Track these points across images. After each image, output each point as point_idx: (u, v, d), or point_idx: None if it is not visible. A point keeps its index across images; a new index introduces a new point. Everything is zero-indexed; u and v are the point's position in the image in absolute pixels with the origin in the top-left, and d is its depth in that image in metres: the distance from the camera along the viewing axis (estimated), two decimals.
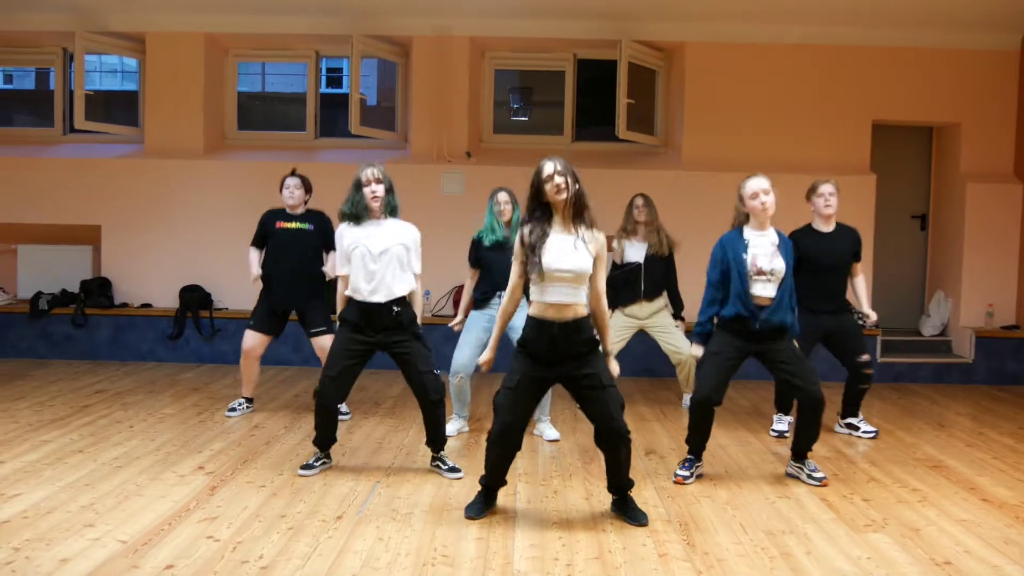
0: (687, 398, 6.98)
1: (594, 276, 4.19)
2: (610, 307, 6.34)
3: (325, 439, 5.01)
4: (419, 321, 5.02)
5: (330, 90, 17.66)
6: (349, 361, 4.89)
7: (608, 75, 8.59)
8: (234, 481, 4.77)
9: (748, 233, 4.98)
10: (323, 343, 6.21)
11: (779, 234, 5.05)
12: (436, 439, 5.03)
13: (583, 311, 4.14)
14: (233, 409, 6.38)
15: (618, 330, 6.77)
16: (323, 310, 6.33)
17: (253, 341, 6.32)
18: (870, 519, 4.37)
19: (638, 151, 8.99)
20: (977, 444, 6.03)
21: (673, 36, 8.69)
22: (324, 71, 9.48)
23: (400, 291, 4.91)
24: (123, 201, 8.76)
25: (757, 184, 4.97)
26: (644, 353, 8.35)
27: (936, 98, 8.71)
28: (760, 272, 4.88)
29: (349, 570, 3.59)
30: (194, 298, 8.51)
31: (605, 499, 4.59)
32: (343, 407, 6.36)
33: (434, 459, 5.07)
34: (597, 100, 9.39)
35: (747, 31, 8.56)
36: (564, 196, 4.12)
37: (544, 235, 4.10)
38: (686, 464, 5.01)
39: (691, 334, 5.15)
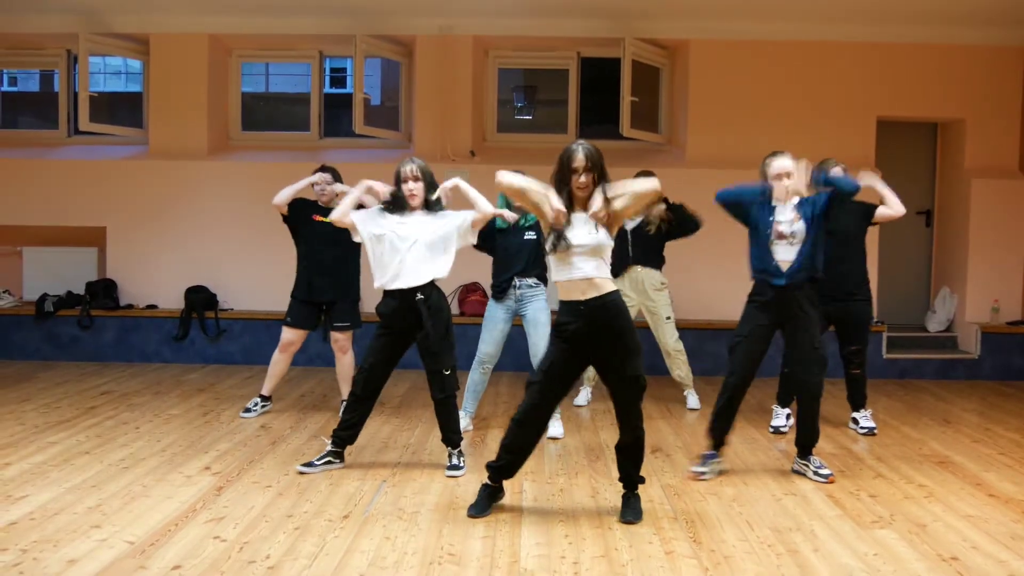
0: (691, 397, 6.97)
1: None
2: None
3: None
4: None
5: (334, 90, 17.69)
6: (380, 355, 4.93)
7: (612, 73, 8.58)
8: (240, 481, 4.78)
9: (775, 202, 4.97)
10: (340, 337, 6.27)
11: (800, 199, 4.96)
12: (447, 436, 5.04)
13: (607, 285, 4.14)
14: (249, 410, 6.39)
15: None
16: (354, 305, 6.34)
17: (290, 336, 6.34)
18: (877, 515, 4.36)
19: (642, 149, 8.98)
20: (983, 440, 6.02)
21: (677, 34, 8.69)
22: (328, 71, 9.47)
23: (425, 277, 4.90)
24: (128, 203, 8.78)
25: (781, 165, 4.92)
26: (649, 351, 8.34)
27: (941, 94, 8.69)
28: (781, 236, 4.90)
29: (356, 569, 3.59)
30: (199, 299, 8.52)
31: (611, 497, 4.59)
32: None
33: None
34: (601, 98, 9.39)
35: (751, 28, 8.55)
36: (585, 194, 4.12)
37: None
38: (705, 459, 5.01)
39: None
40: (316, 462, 5.00)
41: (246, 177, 8.75)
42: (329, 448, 5.03)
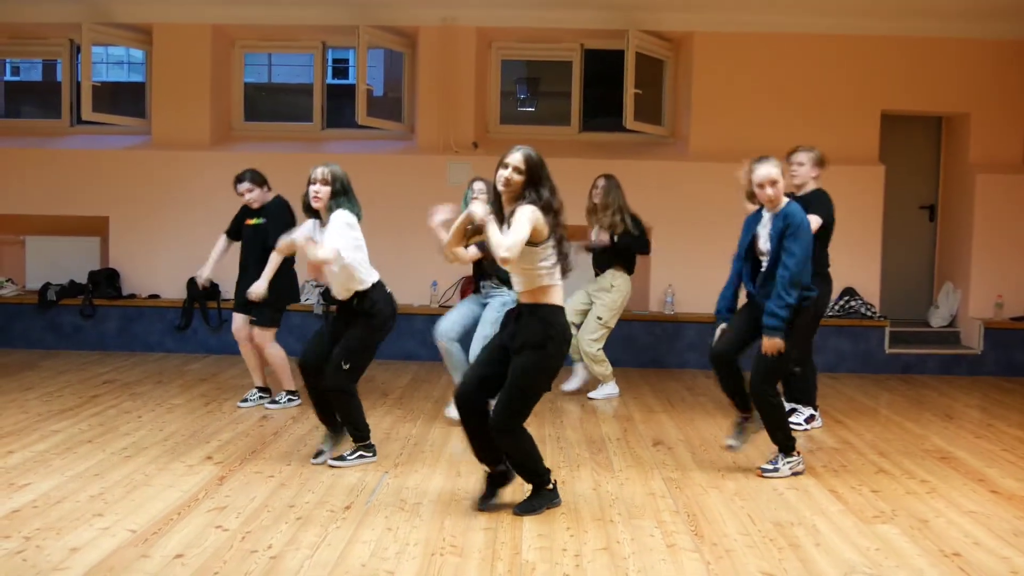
0: (603, 387, 7.00)
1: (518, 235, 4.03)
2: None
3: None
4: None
5: (336, 81, 17.66)
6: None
7: (615, 65, 8.56)
8: (242, 471, 4.78)
9: (765, 211, 4.94)
10: (255, 331, 6.30)
11: (783, 209, 4.85)
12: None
13: (545, 296, 4.11)
14: (245, 400, 6.41)
15: (579, 303, 6.92)
16: (271, 305, 6.29)
17: (239, 321, 6.39)
18: (879, 510, 4.36)
19: (645, 142, 8.97)
20: (986, 436, 6.02)
21: (681, 26, 8.66)
22: (330, 62, 9.46)
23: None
24: (130, 192, 8.76)
25: (765, 173, 4.81)
26: (651, 344, 8.35)
27: (945, 88, 8.67)
28: (761, 253, 4.92)
29: (358, 560, 3.60)
30: (201, 289, 8.50)
31: (613, 490, 4.60)
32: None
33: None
34: (604, 90, 9.36)
35: (755, 21, 8.52)
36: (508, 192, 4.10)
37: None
38: (737, 432, 5.06)
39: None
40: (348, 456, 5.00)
41: (248, 168, 8.72)
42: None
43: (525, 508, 4.22)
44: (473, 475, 4.68)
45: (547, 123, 9.60)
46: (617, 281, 6.85)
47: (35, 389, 6.75)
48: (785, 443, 4.93)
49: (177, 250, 8.75)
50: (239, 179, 6.37)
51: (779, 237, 4.78)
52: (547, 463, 5.01)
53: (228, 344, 8.43)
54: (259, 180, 6.38)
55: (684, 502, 4.44)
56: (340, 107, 10.04)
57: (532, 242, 3.99)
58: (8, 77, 11.25)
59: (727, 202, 8.39)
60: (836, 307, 8.40)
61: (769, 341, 4.74)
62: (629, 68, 8.31)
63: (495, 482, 4.34)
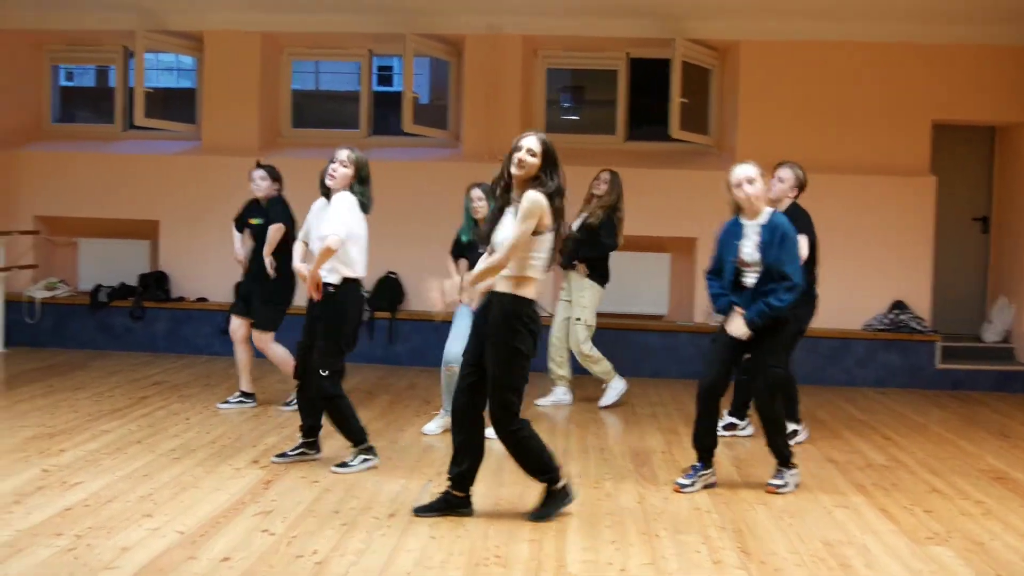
0: (609, 392, 6.96)
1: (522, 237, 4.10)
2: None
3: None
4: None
5: (381, 88, 17.77)
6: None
7: (661, 74, 8.52)
8: (288, 476, 4.81)
9: (744, 221, 4.86)
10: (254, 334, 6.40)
11: (770, 219, 4.81)
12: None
13: (516, 287, 4.13)
14: (227, 402, 6.51)
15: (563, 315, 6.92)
16: (266, 305, 6.41)
17: (235, 323, 6.50)
18: (932, 531, 4.27)
19: (691, 151, 8.91)
20: None
21: (728, 35, 8.60)
22: (375, 70, 9.52)
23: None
24: (180, 197, 8.88)
25: (741, 173, 4.77)
26: (696, 355, 8.27)
27: (998, 97, 8.49)
28: (744, 264, 4.81)
29: (403, 568, 3.60)
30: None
31: (658, 503, 4.56)
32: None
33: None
34: (649, 99, 9.32)
35: (803, 29, 8.42)
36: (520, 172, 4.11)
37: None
38: (690, 471, 4.88)
39: None
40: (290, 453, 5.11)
41: (296, 174, 8.75)
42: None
43: (539, 515, 4.22)
44: (517, 485, 4.66)
45: (592, 132, 9.57)
46: (585, 282, 6.82)
47: (86, 389, 6.86)
48: (783, 455, 4.89)
49: (225, 254, 8.79)
50: (258, 165, 6.47)
51: (769, 247, 4.71)
52: (591, 475, 5.02)
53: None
54: (275, 175, 6.48)
55: (731, 518, 4.38)
56: (385, 114, 10.09)
57: (535, 231, 4.05)
58: (63, 83, 11.44)
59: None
60: (885, 320, 8.28)
61: (741, 327, 4.71)
62: (675, 77, 8.26)
63: (450, 503, 4.27)
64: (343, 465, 4.94)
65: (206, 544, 3.77)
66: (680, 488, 4.78)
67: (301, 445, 5.14)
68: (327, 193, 5.07)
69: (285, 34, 9.08)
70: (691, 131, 8.56)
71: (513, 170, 4.10)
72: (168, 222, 8.97)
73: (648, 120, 9.49)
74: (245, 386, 6.53)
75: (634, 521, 4.28)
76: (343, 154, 4.98)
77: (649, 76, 9.17)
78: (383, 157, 8.88)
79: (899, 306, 8.34)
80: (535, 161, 4.08)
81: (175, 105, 9.95)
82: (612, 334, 8.34)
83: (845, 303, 8.36)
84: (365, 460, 4.98)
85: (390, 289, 8.54)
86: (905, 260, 8.42)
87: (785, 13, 8.23)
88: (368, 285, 8.62)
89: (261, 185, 6.42)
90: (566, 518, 4.27)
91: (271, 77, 9.20)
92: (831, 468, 5.38)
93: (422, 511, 4.24)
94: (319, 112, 18.15)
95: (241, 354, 6.49)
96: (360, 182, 5.01)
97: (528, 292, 4.14)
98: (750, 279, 4.80)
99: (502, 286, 4.13)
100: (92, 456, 5.02)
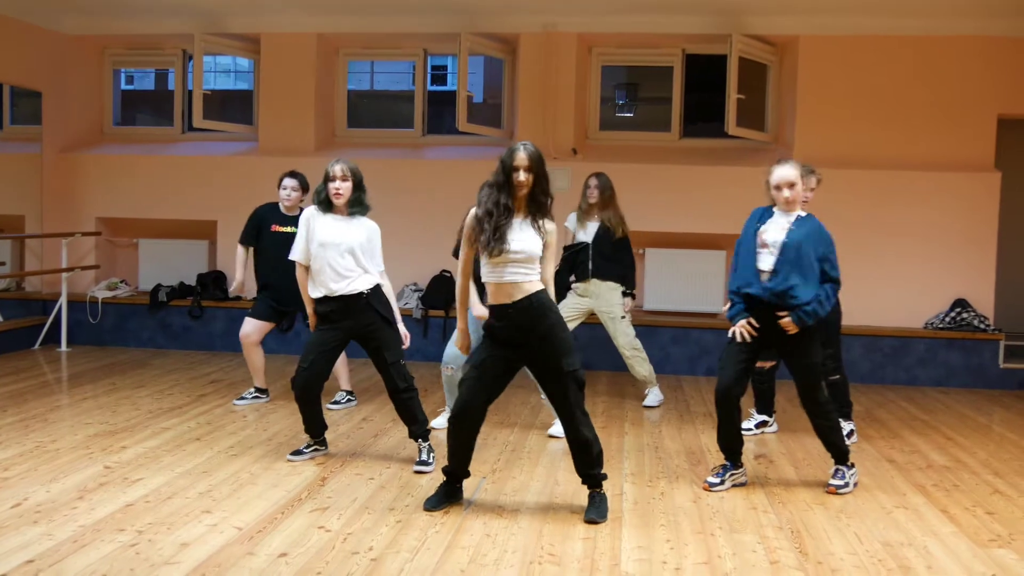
0: (651, 394, 6.89)
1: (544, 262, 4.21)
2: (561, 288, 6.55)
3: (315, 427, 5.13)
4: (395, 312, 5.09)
5: (434, 87, 17.89)
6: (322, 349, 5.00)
7: (717, 70, 8.43)
8: (343, 473, 4.86)
9: (776, 211, 4.78)
10: None
11: (808, 218, 4.73)
12: (415, 428, 5.03)
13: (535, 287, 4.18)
14: (243, 398, 6.56)
15: (568, 309, 6.67)
16: None
17: (251, 327, 6.45)
18: (995, 534, 4.17)
19: (748, 148, 8.81)
20: None
21: (786, 30, 8.48)
22: (429, 69, 9.58)
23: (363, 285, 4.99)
24: (238, 197, 8.98)
25: (782, 175, 4.68)
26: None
27: None
28: (763, 244, 4.71)
29: (457, 565, 3.61)
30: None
31: (713, 503, 4.51)
32: (342, 394, 6.60)
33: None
34: (705, 96, 9.24)
35: (863, 23, 8.28)
36: (524, 192, 4.20)
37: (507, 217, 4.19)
38: (720, 471, 4.81)
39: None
40: (305, 451, 5.15)
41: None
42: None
43: (599, 514, 4.21)
44: (571, 483, 4.65)
45: (646, 129, 9.52)
46: (608, 283, 6.73)
47: (147, 387, 7.00)
48: (840, 454, 4.80)
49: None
50: (292, 175, 6.48)
51: (803, 241, 4.61)
52: (645, 473, 5.01)
53: None
54: (306, 186, 6.50)
55: (787, 517, 4.33)
56: (439, 113, 10.14)
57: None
58: (123, 86, 11.68)
59: (830, 209, 8.22)
60: (947, 318, 8.11)
61: (791, 324, 4.60)
62: (732, 73, 8.18)
63: (453, 492, 4.38)
64: (421, 464, 4.98)
65: (263, 540, 3.82)
66: (709, 487, 4.73)
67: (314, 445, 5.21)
68: (328, 207, 5.07)
69: (341, 35, 9.17)
70: (748, 127, 8.46)
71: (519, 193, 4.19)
72: (226, 222, 9.11)
73: (704, 117, 9.41)
74: (260, 383, 6.62)
75: (689, 520, 4.25)
76: (337, 169, 5.01)
77: (705, 72, 9.09)
78: (437, 156, 8.94)
79: (961, 304, 8.16)
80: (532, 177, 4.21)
81: (232, 107, 10.13)
82: (667, 332, 8.31)
83: (906, 301, 8.22)
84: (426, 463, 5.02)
85: (444, 287, 8.58)
86: (968, 257, 8.23)
87: (844, 7, 8.08)
88: (422, 283, 8.73)
89: (293, 196, 6.46)
90: (620, 517, 4.25)
91: (327, 78, 9.29)
92: (890, 468, 5.28)
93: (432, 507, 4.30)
94: (374, 112, 18.32)
95: (252, 356, 6.53)
96: (360, 190, 5.07)
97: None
98: (765, 262, 4.68)
99: (530, 288, 4.17)
100: (152, 453, 5.12)
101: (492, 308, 4.23)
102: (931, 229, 8.25)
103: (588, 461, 4.25)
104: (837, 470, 4.81)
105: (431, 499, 4.35)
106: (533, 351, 4.19)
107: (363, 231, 5.05)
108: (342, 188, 5.00)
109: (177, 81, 9.72)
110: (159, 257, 9.30)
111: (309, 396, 5.00)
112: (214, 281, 8.96)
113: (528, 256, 4.13)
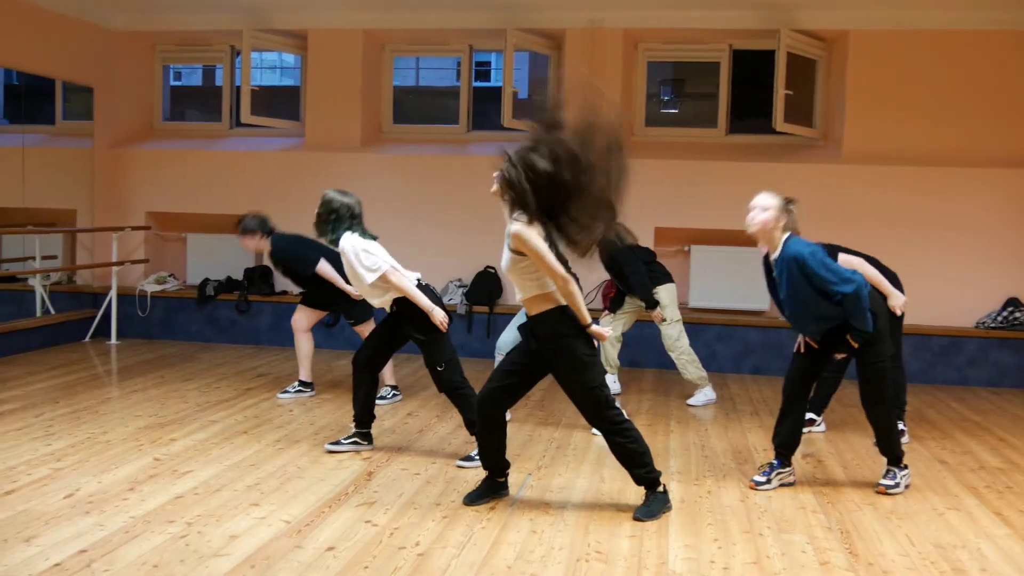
0: (698, 394, 6.85)
1: (539, 264, 4.07)
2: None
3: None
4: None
5: (479, 83, 17.87)
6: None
7: (764, 66, 8.34)
8: (390, 468, 4.88)
9: (771, 256, 4.74)
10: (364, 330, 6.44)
11: (782, 253, 4.61)
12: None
13: (541, 305, 4.15)
14: (286, 392, 6.61)
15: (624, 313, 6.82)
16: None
17: (301, 314, 6.62)
18: None
19: (796, 144, 8.70)
20: None
21: (835, 24, 8.35)
22: (474, 65, 9.58)
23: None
24: (285, 192, 9.07)
25: (756, 201, 4.72)
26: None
27: None
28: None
29: (504, 561, 3.61)
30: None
31: (761, 502, 4.47)
32: (387, 389, 6.60)
33: None
34: (753, 91, 9.14)
35: (915, 17, 8.13)
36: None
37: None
38: (767, 469, 4.76)
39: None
40: (474, 456, 5.06)
41: (397, 169, 8.94)
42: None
43: (644, 512, 4.19)
44: (617, 480, 4.64)
45: (693, 125, 9.44)
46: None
47: (195, 380, 7.08)
48: (894, 455, 4.72)
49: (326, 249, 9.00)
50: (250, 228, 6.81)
51: (795, 288, 4.53)
52: (691, 472, 4.97)
53: None
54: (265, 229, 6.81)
55: (837, 518, 4.27)
56: (484, 110, 10.14)
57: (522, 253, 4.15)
58: (172, 82, 11.82)
59: (880, 206, 8.11)
60: (999, 318, 7.95)
61: (854, 341, 4.52)
62: (780, 68, 8.08)
63: (493, 488, 4.40)
64: (468, 459, 4.99)
65: (311, 533, 3.85)
66: (756, 486, 4.68)
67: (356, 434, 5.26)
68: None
69: (387, 31, 9.20)
70: (796, 123, 8.36)
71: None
72: (273, 217, 9.12)
73: (751, 113, 9.31)
74: (305, 375, 6.66)
75: (737, 519, 4.21)
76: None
77: (752, 67, 9.00)
78: (482, 152, 8.93)
79: (1014, 303, 8.00)
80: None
81: (279, 103, 10.18)
82: (713, 330, 8.24)
83: (957, 300, 8.08)
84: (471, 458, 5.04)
85: (488, 283, 8.58)
86: (1020, 256, 8.07)
87: (895, 2, 7.95)
88: (467, 279, 8.74)
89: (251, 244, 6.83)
90: (667, 515, 4.23)
91: (373, 74, 9.33)
92: (942, 469, 5.19)
93: (472, 501, 4.32)
94: (419, 108, 18.37)
95: (305, 344, 6.64)
96: (322, 220, 5.29)
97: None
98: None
99: (535, 307, 4.20)
100: (201, 446, 5.18)
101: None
102: (983, 226, 8.09)
103: (626, 465, 4.28)
104: (889, 470, 4.74)
105: (471, 494, 4.36)
106: (551, 365, 4.25)
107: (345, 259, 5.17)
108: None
109: (225, 77, 9.82)
110: (207, 251, 9.40)
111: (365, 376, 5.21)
112: (261, 276, 9.04)
113: (506, 270, 4.20)
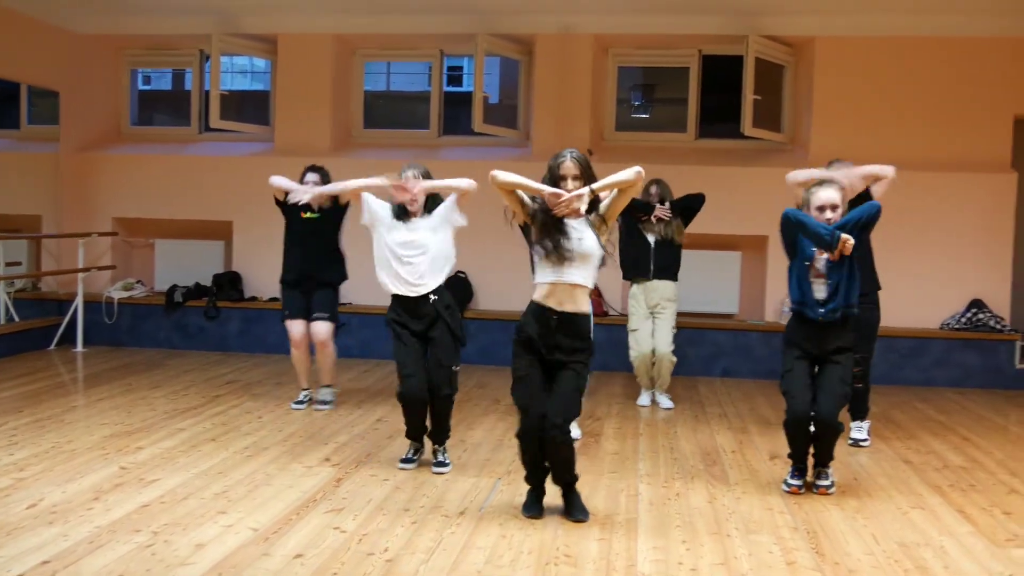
0: (645, 395, 6.92)
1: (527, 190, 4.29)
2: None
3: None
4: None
5: (450, 88, 17.92)
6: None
7: (733, 71, 8.41)
8: (358, 474, 4.86)
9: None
10: (319, 329, 6.39)
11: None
12: (437, 433, 5.04)
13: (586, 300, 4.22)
14: (300, 403, 6.52)
15: (636, 314, 6.88)
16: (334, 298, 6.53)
17: (297, 329, 6.45)
18: (1012, 533, 4.15)
19: (764, 148, 8.78)
20: None
21: (802, 31, 8.44)
22: (445, 70, 9.58)
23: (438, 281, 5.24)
24: (254, 197, 8.99)
25: (827, 197, 4.64)
26: (768, 355, 8.15)
27: None
28: (818, 274, 4.66)
29: (473, 566, 3.61)
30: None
31: (729, 504, 4.50)
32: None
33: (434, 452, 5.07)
34: (722, 96, 9.21)
35: (880, 23, 8.24)
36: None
37: None
38: (796, 473, 4.78)
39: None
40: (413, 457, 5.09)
41: (368, 174, 8.80)
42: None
43: (583, 510, 4.24)
44: (585, 485, 4.64)
45: (663, 130, 9.49)
46: (672, 285, 6.86)
47: (162, 387, 7.02)
48: (830, 457, 4.77)
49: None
50: (313, 169, 6.65)
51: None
52: (660, 474, 5.01)
53: (344, 348, 8.58)
54: (328, 180, 6.61)
55: (803, 518, 4.31)
56: (455, 114, 10.15)
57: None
58: (140, 87, 11.74)
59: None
60: (963, 319, 8.06)
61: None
62: (748, 74, 8.16)
63: (542, 496, 4.36)
64: (441, 464, 4.98)
65: (279, 541, 3.83)
66: (798, 490, 4.70)
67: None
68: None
69: (357, 35, 9.19)
70: (764, 128, 8.43)
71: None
72: (241, 223, 9.14)
73: (720, 117, 9.38)
74: (306, 384, 6.61)
75: (705, 521, 4.23)
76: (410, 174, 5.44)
77: (721, 73, 9.06)
78: (453, 157, 8.94)
79: (977, 305, 8.11)
80: None
81: (249, 107, 10.15)
82: (683, 333, 8.26)
83: (922, 302, 8.17)
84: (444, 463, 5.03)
85: (459, 288, 8.58)
86: (984, 258, 8.19)
87: (861, 8, 8.05)
88: None
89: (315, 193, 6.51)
90: (635, 518, 4.25)
91: (343, 78, 9.31)
92: (907, 469, 5.25)
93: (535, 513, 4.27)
94: (390, 113, 18.35)
95: (306, 359, 6.57)
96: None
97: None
98: (820, 292, 4.65)
99: (582, 303, 4.17)
100: (168, 454, 5.14)
101: (534, 304, 4.19)
102: (947, 230, 8.20)
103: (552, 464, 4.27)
104: (821, 472, 4.77)
105: (528, 507, 4.29)
106: (554, 362, 4.19)
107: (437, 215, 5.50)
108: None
109: (194, 81, 9.77)
110: (175, 257, 9.34)
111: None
112: (230, 282, 8.98)
113: (580, 255, 4.12)
